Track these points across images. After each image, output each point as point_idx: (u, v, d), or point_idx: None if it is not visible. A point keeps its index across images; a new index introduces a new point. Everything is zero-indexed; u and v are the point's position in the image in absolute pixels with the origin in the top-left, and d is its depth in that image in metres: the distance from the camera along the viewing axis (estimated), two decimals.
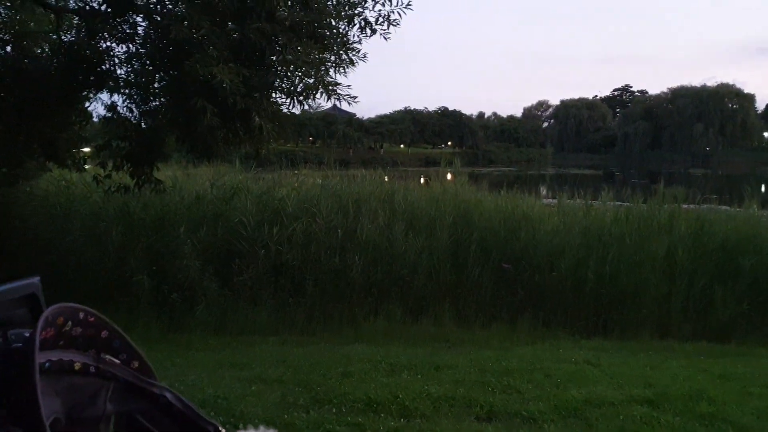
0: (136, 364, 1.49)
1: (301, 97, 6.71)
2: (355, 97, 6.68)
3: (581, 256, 8.88)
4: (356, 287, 8.63)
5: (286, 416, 4.23)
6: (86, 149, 10.12)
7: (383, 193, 10.14)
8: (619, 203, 10.69)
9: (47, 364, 1.20)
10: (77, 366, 1.34)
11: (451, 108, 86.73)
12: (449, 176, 12.49)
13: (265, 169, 13.07)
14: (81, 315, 1.35)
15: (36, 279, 1.35)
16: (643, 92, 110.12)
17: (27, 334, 1.24)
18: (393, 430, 4.08)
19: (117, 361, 1.44)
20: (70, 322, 1.31)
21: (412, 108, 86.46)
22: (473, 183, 11.73)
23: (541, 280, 8.80)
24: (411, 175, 17.47)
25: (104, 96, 8.13)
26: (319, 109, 7.88)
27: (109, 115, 7.81)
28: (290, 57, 6.23)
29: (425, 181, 13.70)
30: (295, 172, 13.84)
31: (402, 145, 78.84)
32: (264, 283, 8.51)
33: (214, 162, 10.71)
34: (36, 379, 1.07)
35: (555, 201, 11.25)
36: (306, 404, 4.59)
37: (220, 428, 1.59)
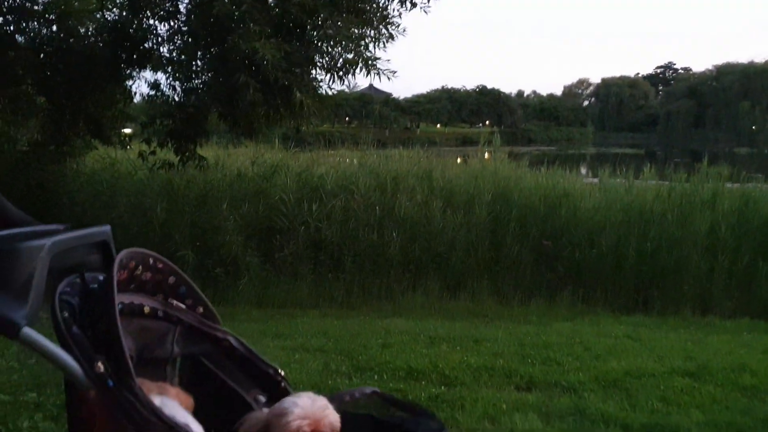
0: (201, 309, 1.59)
1: (341, 73, 6.77)
2: (395, 72, 6.72)
3: (622, 233, 8.82)
4: (394, 263, 8.71)
5: (330, 382, 4.35)
6: (127, 130, 10.36)
7: (421, 170, 10.18)
8: (661, 182, 10.55)
9: (120, 306, 1.29)
10: (147, 309, 1.44)
11: (489, 86, 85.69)
12: (487, 155, 12.43)
13: (303, 149, 13.19)
14: (151, 261, 1.44)
15: (107, 227, 1.45)
16: (686, 69, 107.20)
17: (101, 278, 1.33)
18: (434, 396, 4.16)
19: (183, 306, 1.54)
20: (141, 267, 1.40)
21: (449, 87, 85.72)
22: (512, 161, 11.68)
23: (581, 257, 8.76)
24: (448, 155, 17.41)
25: (148, 74, 8.31)
26: (356, 89, 7.93)
27: (152, 92, 7.99)
28: (331, 32, 6.29)
29: (463, 159, 13.67)
30: (332, 152, 13.92)
31: (439, 125, 78.33)
32: (304, 258, 8.64)
33: (255, 141, 10.85)
34: (115, 311, 1.16)
35: (596, 180, 11.15)
36: (348, 372, 4.69)
37: (279, 371, 1.68)
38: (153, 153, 8.23)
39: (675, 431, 3.61)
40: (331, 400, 1.69)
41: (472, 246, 8.94)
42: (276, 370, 1.64)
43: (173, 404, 1.31)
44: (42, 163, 9.53)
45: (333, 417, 1.42)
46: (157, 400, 1.21)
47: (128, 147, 9.86)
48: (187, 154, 7.91)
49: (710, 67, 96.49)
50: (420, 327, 6.60)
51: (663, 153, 51.38)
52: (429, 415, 1.59)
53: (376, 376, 4.60)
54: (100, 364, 1.11)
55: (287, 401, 1.41)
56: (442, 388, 4.38)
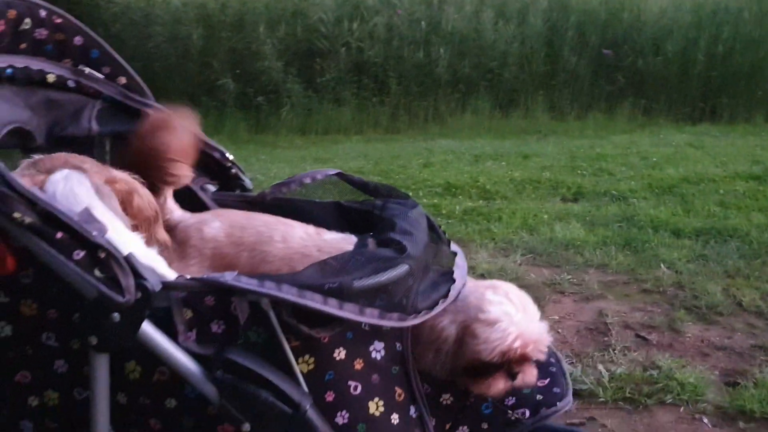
0: (123, 80, 1.30)
1: None
2: None
3: (691, 37, 8.14)
4: (442, 83, 8.33)
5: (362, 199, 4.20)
6: None
7: None
8: None
9: (9, 71, 1.02)
10: (51, 78, 1.16)
11: None
12: None
13: None
14: (42, 13, 1.14)
15: None
16: None
17: None
18: (470, 209, 3.95)
19: (100, 76, 1.26)
20: (29, 20, 1.11)
21: None
22: None
23: (644, 65, 8.18)
24: None
25: None
26: None
27: None
28: None
29: None
30: None
31: None
32: (346, 82, 8.33)
33: None
34: None
35: None
36: None
37: (227, 154, 1.43)
38: None
39: (732, 234, 3.34)
40: (290, 183, 1.46)
41: (526, 59, 8.42)
42: (223, 153, 1.39)
43: (80, 179, 1.05)
44: None
45: (547, 339, 1.26)
46: (58, 175, 0.99)
47: None
48: None
49: None
50: (466, 146, 6.40)
51: None
52: (402, 196, 1.34)
53: (412, 194, 4.39)
54: None
55: (494, 305, 1.18)
56: (480, 201, 4.19)
